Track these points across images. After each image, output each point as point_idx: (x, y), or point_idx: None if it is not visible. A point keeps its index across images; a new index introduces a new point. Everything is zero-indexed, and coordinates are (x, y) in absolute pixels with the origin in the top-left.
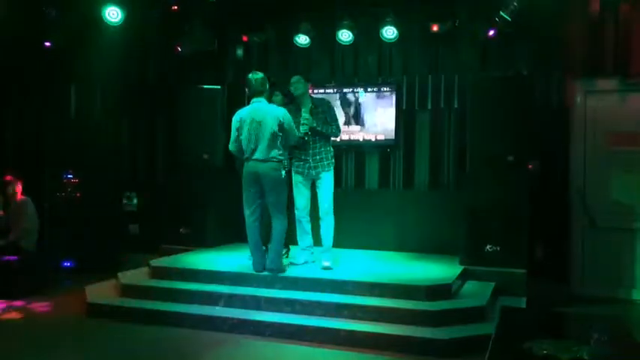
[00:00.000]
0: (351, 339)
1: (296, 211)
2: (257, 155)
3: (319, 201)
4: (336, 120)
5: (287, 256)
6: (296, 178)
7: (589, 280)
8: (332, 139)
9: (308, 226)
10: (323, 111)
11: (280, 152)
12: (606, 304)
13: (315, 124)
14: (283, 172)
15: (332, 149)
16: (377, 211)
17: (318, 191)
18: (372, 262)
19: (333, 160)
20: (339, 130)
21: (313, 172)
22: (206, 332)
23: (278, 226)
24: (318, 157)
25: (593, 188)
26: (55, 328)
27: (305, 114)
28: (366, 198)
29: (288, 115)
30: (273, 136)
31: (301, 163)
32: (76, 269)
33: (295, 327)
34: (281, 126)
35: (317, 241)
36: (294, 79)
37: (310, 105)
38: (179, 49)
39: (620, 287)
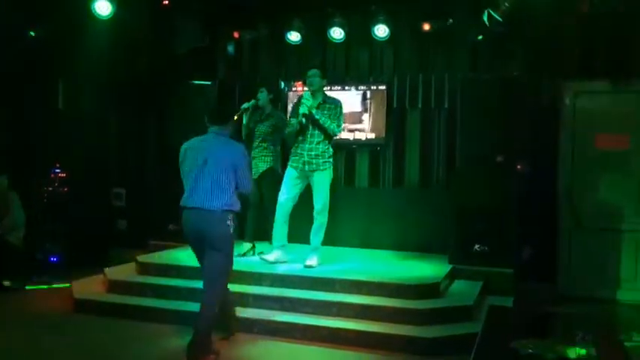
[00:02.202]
0: (339, 336)
1: (277, 207)
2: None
3: (314, 200)
4: (338, 119)
5: (253, 254)
6: (289, 173)
7: (575, 280)
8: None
9: (285, 226)
10: (329, 107)
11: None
12: (591, 304)
13: (314, 112)
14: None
15: (331, 150)
16: (367, 210)
17: (312, 190)
18: (361, 261)
19: (331, 160)
20: (339, 129)
21: (307, 168)
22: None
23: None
24: (313, 153)
25: (581, 189)
26: (41, 323)
27: (306, 94)
28: (356, 197)
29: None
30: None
31: (296, 157)
32: (63, 264)
33: (283, 324)
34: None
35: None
36: (311, 72)
37: (320, 100)
38: (170, 44)
39: (606, 287)
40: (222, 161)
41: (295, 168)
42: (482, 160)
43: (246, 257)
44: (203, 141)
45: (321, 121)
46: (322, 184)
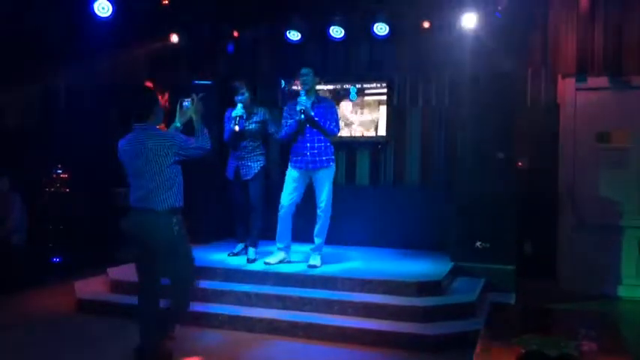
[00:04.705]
0: (342, 334)
1: (280, 209)
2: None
3: (317, 198)
4: (334, 120)
5: (246, 253)
6: (291, 174)
7: (577, 277)
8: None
9: (289, 226)
10: (325, 107)
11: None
12: (594, 301)
13: (312, 113)
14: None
15: (332, 147)
16: (368, 208)
17: (315, 189)
18: (363, 259)
19: (334, 157)
20: (338, 128)
21: (311, 167)
22: (196, 328)
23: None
24: (316, 151)
25: (582, 185)
26: (44, 324)
27: (302, 92)
28: (356, 194)
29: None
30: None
31: (299, 157)
32: (66, 265)
33: (286, 323)
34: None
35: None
36: (304, 70)
37: (313, 99)
38: (170, 43)
39: (608, 284)
40: (155, 154)
41: (298, 168)
42: (483, 156)
43: (239, 256)
44: (133, 139)
45: (321, 123)
46: (326, 181)
